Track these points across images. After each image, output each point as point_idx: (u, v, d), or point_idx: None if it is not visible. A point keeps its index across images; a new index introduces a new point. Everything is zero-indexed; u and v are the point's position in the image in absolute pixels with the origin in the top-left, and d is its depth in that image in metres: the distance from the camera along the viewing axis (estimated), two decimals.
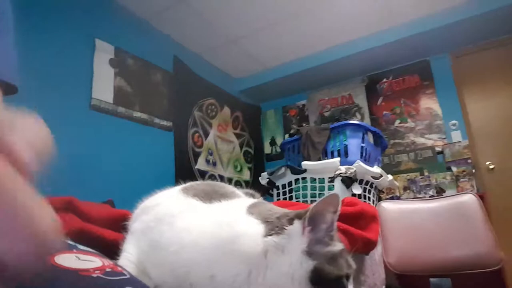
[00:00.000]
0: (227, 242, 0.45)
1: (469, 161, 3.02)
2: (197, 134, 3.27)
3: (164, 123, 2.90)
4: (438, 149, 3.22)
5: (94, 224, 0.68)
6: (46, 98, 2.02)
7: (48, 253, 0.40)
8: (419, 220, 1.58)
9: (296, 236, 0.44)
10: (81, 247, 0.35)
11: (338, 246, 0.46)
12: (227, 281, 0.43)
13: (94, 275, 0.29)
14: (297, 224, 0.45)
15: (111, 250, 0.57)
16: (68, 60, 2.23)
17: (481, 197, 1.61)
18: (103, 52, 2.48)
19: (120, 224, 0.67)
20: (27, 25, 1.96)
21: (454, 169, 3.04)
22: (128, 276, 0.32)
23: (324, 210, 0.45)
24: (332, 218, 0.45)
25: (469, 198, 1.52)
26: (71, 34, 2.27)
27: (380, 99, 3.66)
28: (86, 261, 0.31)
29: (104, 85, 2.44)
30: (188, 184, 0.65)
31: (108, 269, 0.31)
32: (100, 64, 2.44)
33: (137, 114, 2.66)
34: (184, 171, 2.94)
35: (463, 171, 2.99)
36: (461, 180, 2.97)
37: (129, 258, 0.51)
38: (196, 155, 3.20)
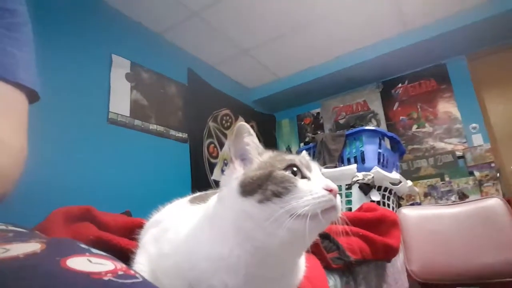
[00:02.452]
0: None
1: (493, 165, 2.91)
2: (212, 145, 3.28)
3: (180, 135, 2.93)
4: (458, 153, 3.12)
5: (111, 232, 0.69)
6: (65, 112, 2.09)
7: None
8: (442, 226, 1.52)
9: (237, 172, 0.48)
10: (94, 250, 0.35)
11: (262, 157, 0.49)
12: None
13: (106, 278, 0.28)
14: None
15: (128, 258, 0.57)
16: (86, 76, 2.29)
17: (508, 201, 1.55)
18: (120, 67, 2.54)
19: (136, 233, 0.67)
20: (46, 42, 2.03)
21: (476, 173, 2.94)
22: (140, 279, 0.31)
23: (239, 140, 0.49)
24: (248, 141, 0.49)
25: (495, 202, 1.45)
26: (88, 51, 2.34)
27: (396, 105, 3.60)
28: (98, 264, 0.31)
29: (120, 99, 2.49)
30: (198, 194, 0.66)
31: (120, 272, 0.30)
32: (117, 78, 2.50)
33: (153, 126, 2.70)
34: (200, 182, 2.95)
35: (487, 175, 2.89)
36: (485, 184, 2.87)
37: (141, 268, 0.51)
38: (212, 166, 3.21)
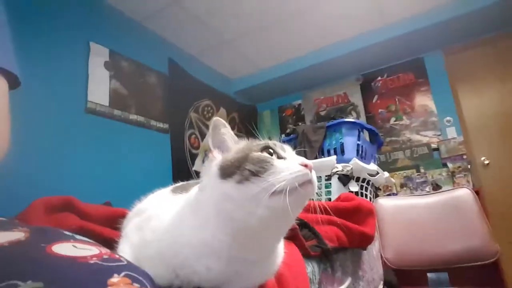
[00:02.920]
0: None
1: (465, 157, 3.04)
2: (193, 135, 3.27)
3: (161, 125, 2.91)
4: (433, 145, 3.24)
5: (93, 222, 0.69)
6: (42, 102, 2.03)
7: None
8: (415, 215, 1.59)
9: (216, 160, 0.50)
10: (78, 237, 0.36)
11: (239, 144, 0.52)
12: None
13: (92, 262, 0.29)
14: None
15: (111, 248, 0.57)
16: (63, 64, 2.23)
17: (477, 192, 1.63)
18: (98, 55, 2.48)
19: (118, 223, 0.68)
20: (21, 30, 1.96)
21: (450, 165, 3.06)
22: (125, 262, 0.33)
23: (216, 132, 0.52)
24: (225, 131, 0.52)
25: (464, 193, 1.53)
26: (65, 38, 2.27)
27: (375, 97, 3.68)
28: (83, 249, 0.32)
29: (99, 88, 2.44)
30: (180, 184, 0.67)
31: (105, 256, 0.32)
32: (95, 67, 2.44)
33: (133, 116, 2.66)
34: (181, 173, 2.95)
35: (459, 167, 3.02)
36: (457, 176, 3.00)
37: (124, 256, 0.52)
38: (193, 157, 3.20)
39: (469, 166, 2.99)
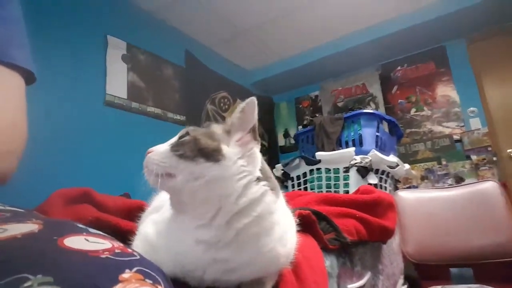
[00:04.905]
0: None
1: (489, 148, 2.93)
2: None
3: (178, 117, 2.92)
4: (456, 137, 3.14)
5: (110, 214, 0.69)
6: (61, 95, 2.06)
7: None
8: (437, 208, 1.54)
9: None
10: (91, 230, 0.35)
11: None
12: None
13: (103, 256, 0.29)
14: None
15: (127, 240, 0.57)
16: (82, 57, 2.26)
17: (503, 185, 1.56)
18: (116, 49, 2.50)
19: (135, 214, 0.68)
20: (39, 24, 1.99)
21: (473, 157, 2.96)
22: (138, 257, 0.32)
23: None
24: None
25: (490, 186, 1.47)
26: (83, 32, 2.30)
27: (395, 88, 3.58)
28: (96, 243, 0.31)
29: (117, 81, 2.47)
30: None
31: (117, 250, 0.31)
32: (113, 60, 2.47)
33: (151, 109, 2.69)
34: None
35: (483, 159, 2.91)
36: (481, 168, 2.89)
37: (138, 251, 0.52)
38: None
39: (494, 158, 2.88)
